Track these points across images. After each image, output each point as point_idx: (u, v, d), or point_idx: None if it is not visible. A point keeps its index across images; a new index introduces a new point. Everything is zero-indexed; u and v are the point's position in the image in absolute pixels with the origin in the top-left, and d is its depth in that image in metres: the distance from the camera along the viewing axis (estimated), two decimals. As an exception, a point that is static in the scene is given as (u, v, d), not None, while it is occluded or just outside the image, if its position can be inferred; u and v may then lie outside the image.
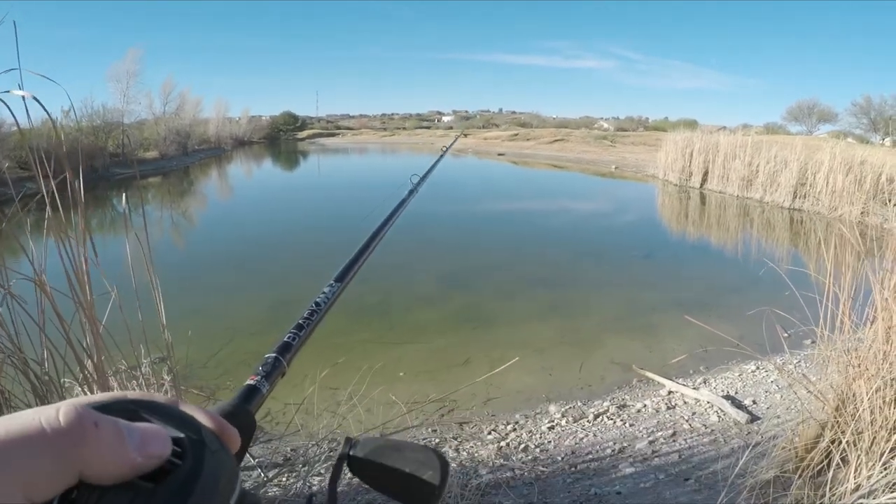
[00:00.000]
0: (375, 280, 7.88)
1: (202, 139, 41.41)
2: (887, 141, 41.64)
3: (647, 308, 7.80)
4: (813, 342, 3.32)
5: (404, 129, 70.16)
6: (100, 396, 0.38)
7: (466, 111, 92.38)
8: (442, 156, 2.02)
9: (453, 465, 3.82)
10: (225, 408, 0.50)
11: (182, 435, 0.36)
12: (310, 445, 3.72)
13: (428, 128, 71.95)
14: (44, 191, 1.92)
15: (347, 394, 3.79)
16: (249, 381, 0.58)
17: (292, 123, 66.85)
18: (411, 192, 1.50)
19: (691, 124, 34.55)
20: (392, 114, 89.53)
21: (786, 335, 4.46)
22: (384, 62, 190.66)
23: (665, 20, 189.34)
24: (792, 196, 17.27)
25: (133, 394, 0.40)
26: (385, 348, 5.99)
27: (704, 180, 20.81)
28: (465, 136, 53.66)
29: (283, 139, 61.02)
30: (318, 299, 0.79)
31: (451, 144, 2.26)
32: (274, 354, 0.64)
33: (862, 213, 14.32)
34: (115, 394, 0.39)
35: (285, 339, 0.68)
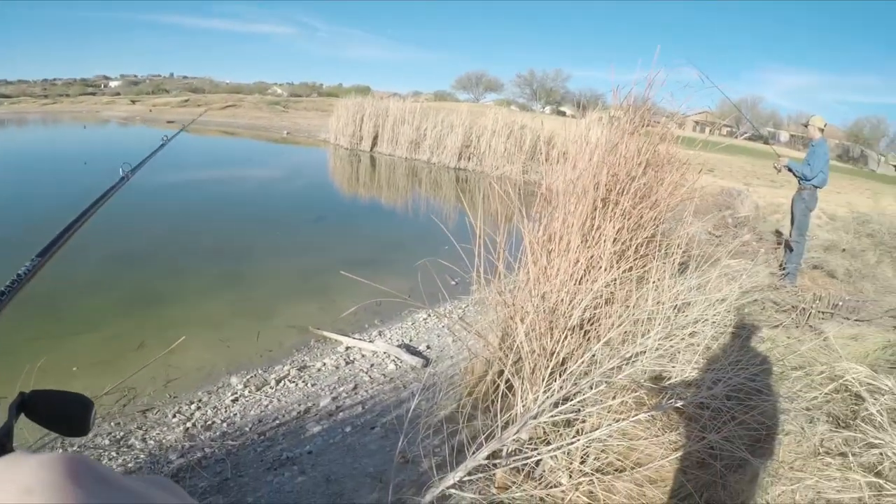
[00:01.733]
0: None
1: None
2: (547, 109, 48.38)
3: (319, 270, 7.88)
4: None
5: (68, 95, 60.42)
6: None
7: (136, 76, 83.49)
8: (164, 144, 1.99)
9: (141, 455, 3.65)
10: None
11: None
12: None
13: (94, 94, 63.50)
14: None
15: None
16: None
17: (-63, 92, 52.85)
18: (122, 180, 1.49)
19: (364, 90, 35.81)
20: (55, 79, 76.59)
21: (454, 283, 4.80)
22: (46, 20, 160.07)
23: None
24: (458, 157, 18.97)
25: None
26: (54, 343, 5.18)
27: (374, 144, 21.85)
28: (133, 102, 48.88)
29: (-76, 112, 47.49)
30: (19, 271, 0.84)
31: (175, 135, 2.05)
32: None
33: (523, 171, 16.23)
34: None
35: None
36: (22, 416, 0.65)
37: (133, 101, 50.54)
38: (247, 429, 3.97)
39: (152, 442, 3.82)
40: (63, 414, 0.65)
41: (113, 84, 77.51)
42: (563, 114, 44.61)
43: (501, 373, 3.12)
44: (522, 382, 2.83)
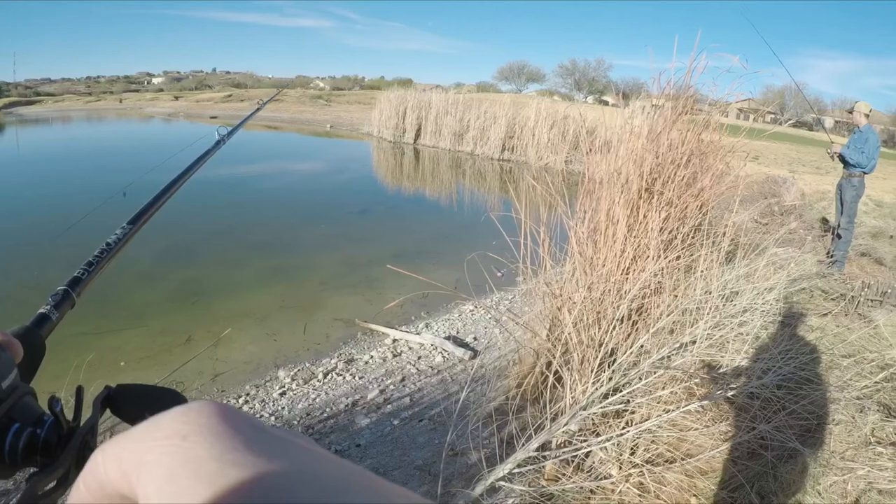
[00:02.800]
0: (79, 261, 6.75)
1: None
2: (590, 98, 48.31)
3: (365, 263, 7.92)
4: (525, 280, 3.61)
5: (111, 93, 61.56)
6: None
7: (178, 72, 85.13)
8: (257, 110, 1.98)
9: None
10: (17, 330, 0.56)
11: None
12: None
13: (137, 90, 64.85)
14: None
15: (63, 395, 3.25)
16: (41, 310, 0.63)
17: (-13, 91, 54.31)
18: (218, 144, 1.45)
19: (406, 83, 35.84)
20: (98, 77, 78.75)
21: (499, 275, 4.81)
22: (88, 18, 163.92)
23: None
24: (501, 148, 18.93)
25: None
26: (102, 338, 5.27)
27: (418, 136, 21.86)
28: (176, 98, 49.79)
29: (-22, 111, 48.78)
30: (109, 240, 0.82)
31: (266, 104, 2.15)
32: (64, 287, 0.68)
33: (566, 161, 16.07)
34: None
35: (75, 273, 0.73)
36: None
37: (176, 97, 51.37)
38: (294, 422, 4.03)
39: (198, 437, 3.88)
40: (152, 410, 0.58)
41: (156, 80, 78.64)
42: (606, 103, 44.07)
43: (550, 364, 3.13)
44: (571, 374, 2.83)
